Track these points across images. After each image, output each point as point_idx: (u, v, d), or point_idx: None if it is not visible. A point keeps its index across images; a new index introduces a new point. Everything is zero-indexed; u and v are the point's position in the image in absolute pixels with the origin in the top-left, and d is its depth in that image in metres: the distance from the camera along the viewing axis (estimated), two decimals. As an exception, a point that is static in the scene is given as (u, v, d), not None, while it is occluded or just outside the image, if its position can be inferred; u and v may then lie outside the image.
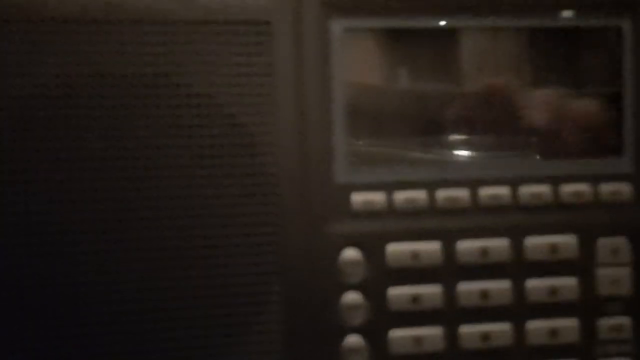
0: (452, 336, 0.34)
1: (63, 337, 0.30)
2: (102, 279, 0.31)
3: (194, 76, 0.31)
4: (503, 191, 0.34)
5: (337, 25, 0.33)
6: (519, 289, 0.34)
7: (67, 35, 0.30)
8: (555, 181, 0.35)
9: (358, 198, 0.33)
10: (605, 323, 0.35)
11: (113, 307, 0.31)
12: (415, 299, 0.33)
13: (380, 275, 0.33)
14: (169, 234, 0.31)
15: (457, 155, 0.35)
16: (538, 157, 0.35)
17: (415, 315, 0.34)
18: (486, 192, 0.34)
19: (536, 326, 0.34)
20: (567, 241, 0.35)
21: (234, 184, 0.32)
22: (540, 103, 0.35)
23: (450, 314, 0.34)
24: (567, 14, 0.34)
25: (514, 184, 0.34)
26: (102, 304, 0.31)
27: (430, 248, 0.34)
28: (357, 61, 0.34)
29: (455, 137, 0.35)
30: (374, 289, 0.33)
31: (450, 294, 0.34)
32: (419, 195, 0.34)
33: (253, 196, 0.32)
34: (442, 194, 0.34)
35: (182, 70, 0.31)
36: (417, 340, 0.33)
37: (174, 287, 0.31)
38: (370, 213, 0.33)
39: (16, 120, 0.30)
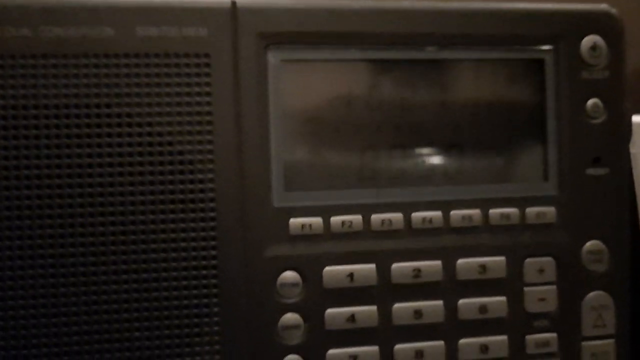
0: (387, 354, 0.35)
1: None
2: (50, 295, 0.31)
3: (134, 107, 0.32)
4: (435, 214, 0.35)
5: (274, 57, 0.34)
6: (451, 308, 0.35)
7: (13, 68, 0.31)
8: (485, 205, 0.36)
9: (296, 222, 0.34)
10: (533, 339, 0.36)
11: (57, 328, 0.31)
12: (352, 318, 0.34)
13: (318, 296, 0.34)
14: (111, 257, 0.32)
15: (391, 180, 0.36)
16: (468, 182, 0.36)
17: (351, 335, 0.34)
18: (419, 215, 0.35)
19: (468, 343, 0.35)
20: (496, 262, 0.36)
21: (174, 209, 0.32)
22: (473, 132, 0.37)
23: (385, 333, 0.35)
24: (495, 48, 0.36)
25: (445, 208, 0.35)
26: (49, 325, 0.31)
27: (366, 269, 0.34)
28: (293, 90, 0.34)
29: (388, 163, 0.36)
30: (311, 310, 0.34)
31: (385, 313, 0.35)
32: (355, 218, 0.35)
33: (193, 221, 0.32)
34: (376, 217, 0.35)
35: (123, 101, 0.32)
36: (353, 358, 0.34)
37: (114, 310, 0.32)
38: (308, 236, 0.34)
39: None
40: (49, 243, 0.31)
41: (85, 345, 0.31)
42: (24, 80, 0.31)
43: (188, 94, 0.33)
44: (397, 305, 0.35)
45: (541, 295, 0.36)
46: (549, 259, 0.36)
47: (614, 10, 0.37)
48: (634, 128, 0.38)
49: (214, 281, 0.33)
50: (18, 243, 0.31)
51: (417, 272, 0.35)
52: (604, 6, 0.37)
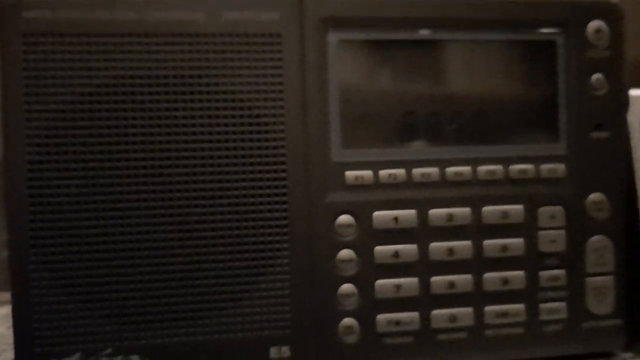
0: (425, 285, 0.40)
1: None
2: (152, 245, 0.37)
3: (220, 78, 0.38)
4: (465, 169, 0.41)
5: (334, 37, 0.40)
6: (477, 247, 0.40)
7: (123, 46, 0.37)
8: (506, 162, 0.41)
9: (350, 174, 0.39)
10: (545, 274, 0.41)
11: (162, 265, 0.38)
12: (396, 254, 0.40)
13: (368, 235, 0.39)
14: (202, 203, 0.38)
15: (429, 140, 0.41)
16: (492, 142, 0.41)
17: (395, 268, 0.39)
18: (452, 170, 0.40)
19: (491, 276, 0.40)
20: (515, 209, 0.41)
21: (252, 162, 0.38)
22: (496, 102, 0.42)
23: (423, 267, 0.40)
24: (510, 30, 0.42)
25: (474, 164, 0.41)
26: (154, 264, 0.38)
27: (408, 214, 0.40)
28: (348, 65, 0.40)
29: (427, 127, 0.41)
30: (363, 247, 0.39)
31: (423, 250, 0.40)
32: (399, 172, 0.40)
33: (267, 172, 0.38)
34: (417, 171, 0.40)
35: (212, 73, 0.38)
36: (397, 287, 0.39)
37: (203, 245, 0.38)
38: (360, 186, 0.39)
39: (81, 111, 0.37)
40: (154, 182, 0.37)
41: (185, 273, 0.38)
42: (131, 55, 0.37)
43: (263, 68, 0.38)
44: (433, 244, 0.40)
45: (552, 237, 0.41)
46: (559, 207, 0.41)
47: (615, 0, 0.43)
48: (630, 99, 0.44)
49: (284, 222, 0.39)
50: (133, 180, 0.37)
51: (450, 216, 0.40)
52: (607, -4, 0.43)
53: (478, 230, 0.41)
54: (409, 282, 0.40)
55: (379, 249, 0.40)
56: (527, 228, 0.41)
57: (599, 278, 0.42)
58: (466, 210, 0.41)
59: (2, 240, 0.40)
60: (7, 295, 0.38)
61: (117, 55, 0.37)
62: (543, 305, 0.41)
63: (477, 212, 0.41)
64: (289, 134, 0.39)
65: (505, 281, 0.41)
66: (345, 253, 0.39)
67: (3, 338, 0.50)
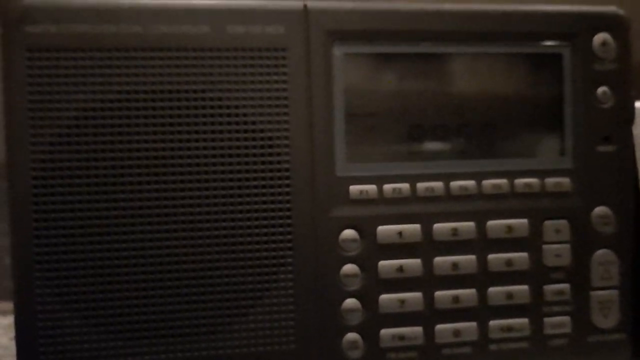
0: (429, 299, 0.40)
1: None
2: (157, 261, 0.37)
3: (224, 92, 0.38)
4: (470, 183, 0.40)
5: (339, 51, 0.39)
6: (482, 261, 0.40)
7: (127, 60, 0.37)
8: (511, 175, 0.41)
9: (355, 188, 0.39)
10: (550, 288, 0.41)
11: (167, 281, 0.38)
12: (400, 269, 0.40)
13: (372, 250, 0.39)
14: (206, 218, 0.38)
15: (434, 154, 0.41)
16: (498, 156, 0.41)
17: (400, 283, 0.39)
18: (456, 184, 0.40)
19: (496, 291, 0.40)
20: (520, 223, 0.41)
21: (256, 177, 0.38)
22: (501, 115, 0.42)
23: (428, 281, 0.40)
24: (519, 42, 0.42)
25: (479, 178, 0.41)
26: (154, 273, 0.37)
27: (412, 229, 0.40)
28: (354, 78, 0.40)
29: (433, 140, 0.41)
30: (367, 262, 0.39)
31: (428, 265, 0.40)
32: (404, 186, 0.40)
33: (272, 187, 0.38)
34: (421, 185, 0.40)
35: (215, 88, 0.38)
36: (402, 301, 0.39)
37: (208, 260, 0.38)
38: (365, 201, 0.39)
39: (86, 126, 0.37)
40: (158, 196, 0.37)
41: (181, 289, 0.38)
42: (136, 70, 0.37)
43: (268, 82, 0.38)
44: (437, 259, 0.40)
45: (557, 252, 0.41)
46: (564, 221, 0.41)
47: (621, 12, 0.42)
48: (636, 112, 0.43)
49: (288, 237, 0.39)
50: (138, 196, 0.37)
51: (455, 231, 0.40)
52: (612, 8, 0.43)
53: (483, 244, 0.41)
54: (413, 297, 0.40)
55: (383, 263, 0.40)
56: (532, 242, 0.41)
57: (604, 292, 0.42)
58: (471, 224, 0.40)
59: (4, 245, 0.40)
60: (9, 305, 0.38)
61: (121, 69, 0.37)
62: (548, 320, 0.41)
63: (481, 227, 0.41)
64: (294, 148, 0.39)
65: (509, 295, 0.41)
66: (349, 268, 0.39)
67: (7, 350, 0.50)
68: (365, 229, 0.39)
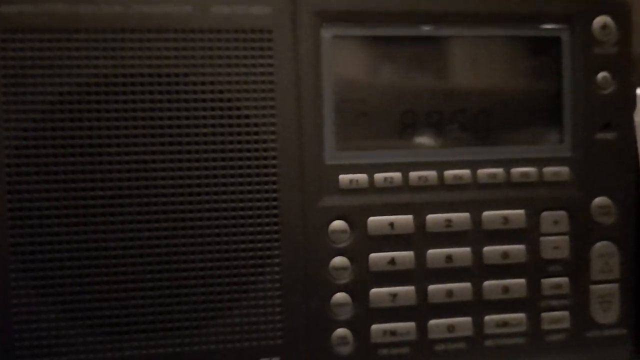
0: (422, 293, 0.39)
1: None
2: (138, 252, 0.36)
3: (208, 76, 0.36)
4: (464, 172, 0.39)
5: (328, 33, 0.38)
6: (477, 254, 0.39)
7: (106, 42, 0.35)
8: (508, 164, 0.40)
9: (345, 177, 0.38)
10: (548, 282, 0.40)
11: (148, 273, 0.36)
12: (392, 262, 0.38)
13: (363, 242, 0.38)
14: (188, 208, 0.36)
15: (427, 142, 0.40)
16: (493, 144, 0.40)
17: (391, 276, 0.38)
18: (450, 173, 0.39)
19: (492, 284, 0.39)
20: (516, 214, 0.40)
21: (241, 165, 0.37)
22: (497, 101, 0.41)
23: (420, 275, 0.39)
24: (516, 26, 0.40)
25: (473, 166, 0.39)
26: (131, 265, 0.36)
27: (404, 219, 0.39)
28: (343, 62, 0.38)
29: (426, 127, 0.40)
30: (357, 254, 0.38)
31: (420, 257, 0.39)
32: (395, 175, 0.39)
33: (257, 175, 0.37)
34: (414, 174, 0.39)
35: (198, 71, 0.36)
36: (393, 295, 0.38)
37: (191, 252, 0.36)
38: (355, 190, 0.38)
39: (62, 111, 0.35)
40: (139, 185, 0.36)
41: (167, 273, 0.36)
42: (114, 52, 0.36)
43: (253, 65, 0.37)
44: (431, 251, 0.39)
45: (555, 244, 0.40)
46: (562, 212, 0.40)
47: None
48: (638, 99, 0.42)
49: (275, 227, 0.37)
50: (117, 184, 0.36)
51: (449, 222, 0.39)
52: (614, -10, 0.41)
53: (478, 236, 0.39)
54: (406, 291, 0.39)
55: (374, 256, 0.38)
56: (529, 234, 0.40)
57: (604, 286, 0.41)
58: (465, 215, 0.39)
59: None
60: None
61: (100, 52, 0.36)
62: (545, 315, 0.40)
63: (476, 217, 0.39)
64: (280, 135, 0.37)
65: (505, 289, 0.40)
66: (339, 260, 0.38)
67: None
68: (356, 220, 0.38)
